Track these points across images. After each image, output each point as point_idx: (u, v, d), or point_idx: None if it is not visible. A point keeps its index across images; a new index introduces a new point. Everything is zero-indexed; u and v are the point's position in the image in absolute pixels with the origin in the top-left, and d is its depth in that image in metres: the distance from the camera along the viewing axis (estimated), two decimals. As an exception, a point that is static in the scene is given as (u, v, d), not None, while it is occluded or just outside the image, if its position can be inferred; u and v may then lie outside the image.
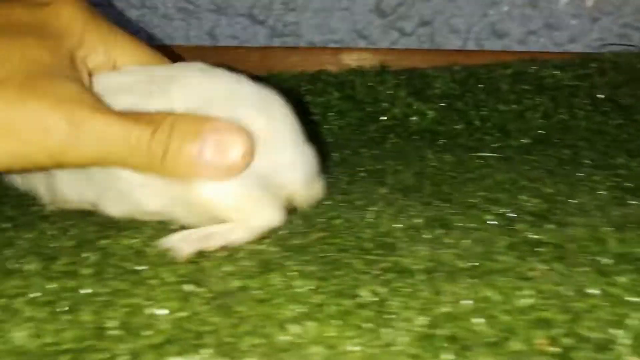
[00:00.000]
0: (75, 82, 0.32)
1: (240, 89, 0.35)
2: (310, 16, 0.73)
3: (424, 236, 0.34)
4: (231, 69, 0.37)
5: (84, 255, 0.32)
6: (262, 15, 0.73)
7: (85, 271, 0.30)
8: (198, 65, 0.36)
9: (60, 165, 0.32)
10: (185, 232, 0.33)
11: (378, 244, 0.33)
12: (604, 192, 0.40)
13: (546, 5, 0.71)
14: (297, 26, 0.73)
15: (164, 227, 0.35)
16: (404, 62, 0.67)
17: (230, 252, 0.32)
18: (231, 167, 0.31)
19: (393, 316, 0.25)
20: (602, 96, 0.59)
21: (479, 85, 0.61)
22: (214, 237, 0.33)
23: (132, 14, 0.74)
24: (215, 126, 0.31)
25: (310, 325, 0.25)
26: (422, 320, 0.25)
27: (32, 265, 0.31)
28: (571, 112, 0.58)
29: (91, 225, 0.36)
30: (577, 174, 0.44)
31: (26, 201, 0.40)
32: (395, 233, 0.34)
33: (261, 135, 0.33)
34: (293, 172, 0.36)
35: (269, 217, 0.34)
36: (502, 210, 0.37)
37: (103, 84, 0.34)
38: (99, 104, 0.31)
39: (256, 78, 0.37)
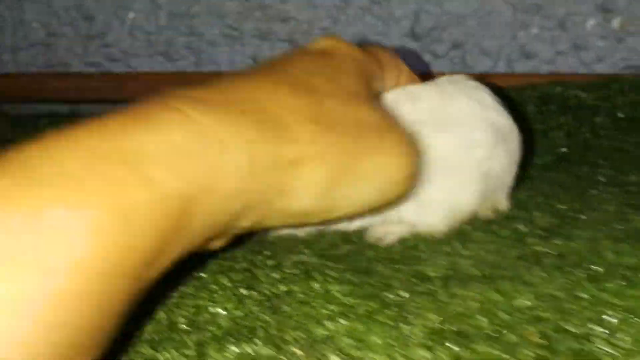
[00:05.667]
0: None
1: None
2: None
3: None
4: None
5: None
6: (303, 40, 0.79)
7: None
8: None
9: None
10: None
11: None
12: (611, 208, 0.44)
13: (573, 27, 0.76)
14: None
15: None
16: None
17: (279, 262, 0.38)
18: None
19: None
20: (623, 115, 0.63)
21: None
22: None
23: (180, 40, 0.81)
24: None
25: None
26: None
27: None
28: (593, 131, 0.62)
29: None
30: (590, 190, 0.48)
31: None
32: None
33: None
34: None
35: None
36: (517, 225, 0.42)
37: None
38: None
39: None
